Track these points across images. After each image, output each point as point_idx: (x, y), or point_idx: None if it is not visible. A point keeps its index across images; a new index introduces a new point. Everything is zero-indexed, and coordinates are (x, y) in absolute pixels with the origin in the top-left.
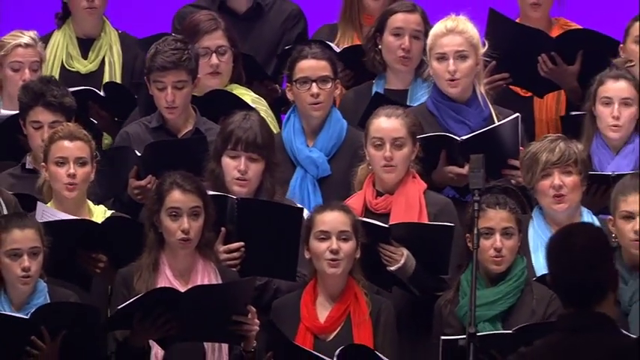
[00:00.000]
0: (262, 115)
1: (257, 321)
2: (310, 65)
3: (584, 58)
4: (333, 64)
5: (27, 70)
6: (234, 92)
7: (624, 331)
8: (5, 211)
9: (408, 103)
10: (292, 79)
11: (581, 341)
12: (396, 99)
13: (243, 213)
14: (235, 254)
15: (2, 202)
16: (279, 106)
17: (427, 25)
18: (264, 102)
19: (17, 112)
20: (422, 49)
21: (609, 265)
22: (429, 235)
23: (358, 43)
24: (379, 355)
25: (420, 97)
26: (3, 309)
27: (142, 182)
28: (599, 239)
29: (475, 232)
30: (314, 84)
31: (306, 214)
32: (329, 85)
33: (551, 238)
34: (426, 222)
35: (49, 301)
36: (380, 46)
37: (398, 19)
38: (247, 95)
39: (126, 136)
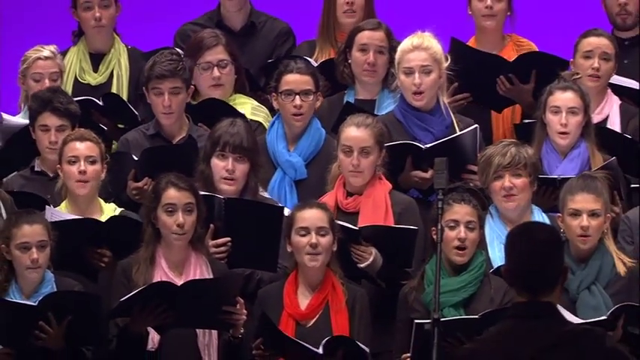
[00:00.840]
0: (262, 122)
1: (244, 311)
2: (295, 79)
3: (538, 76)
4: (315, 78)
5: (47, 81)
6: (238, 101)
7: (568, 319)
8: (2, 209)
9: (375, 112)
10: (278, 91)
11: (532, 327)
12: (364, 108)
13: (229, 211)
14: (222, 248)
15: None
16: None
17: (391, 40)
18: (265, 110)
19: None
20: (387, 63)
21: (561, 261)
22: (395, 236)
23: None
24: (359, 344)
25: (387, 106)
26: (14, 297)
27: (139, 184)
28: (555, 236)
29: (439, 227)
30: (297, 96)
31: (286, 211)
32: (311, 98)
33: (511, 231)
34: (392, 224)
35: (55, 290)
36: (349, 60)
37: (364, 36)
38: (249, 104)
39: (126, 142)
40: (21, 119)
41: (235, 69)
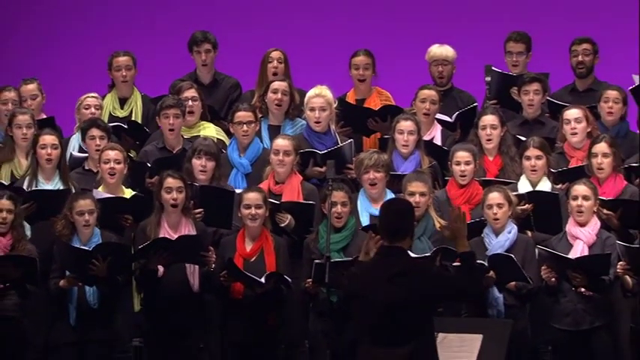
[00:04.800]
0: (224, 140)
1: (214, 256)
2: (242, 114)
3: (392, 117)
4: (255, 113)
5: (92, 109)
6: (205, 125)
7: (413, 256)
8: (73, 191)
9: (280, 133)
10: (233, 121)
11: (390, 261)
12: (274, 131)
13: (202, 193)
14: (198, 216)
15: (72, 187)
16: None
17: (292, 88)
18: (222, 132)
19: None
20: (288, 101)
21: (412, 220)
22: (302, 208)
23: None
24: (285, 277)
25: (289, 129)
26: (76, 244)
27: (152, 180)
28: (409, 206)
29: (328, 202)
30: (244, 125)
31: (238, 191)
32: (252, 125)
33: (383, 203)
34: (301, 201)
35: (101, 241)
36: (266, 100)
37: (275, 84)
38: (212, 127)
39: (144, 153)
40: (82, 154)
41: (202, 105)
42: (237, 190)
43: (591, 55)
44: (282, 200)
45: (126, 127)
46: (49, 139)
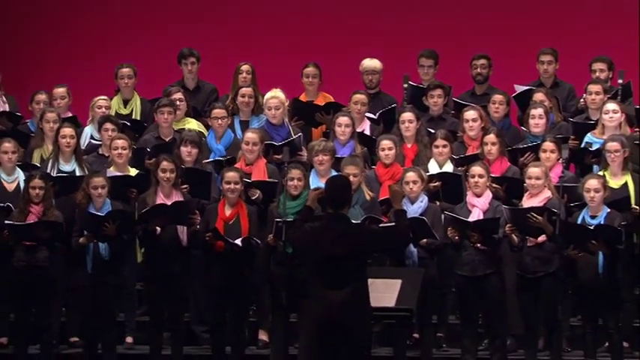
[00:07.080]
0: (203, 131)
1: (199, 218)
2: (218, 111)
3: (334, 112)
4: (227, 110)
5: (103, 108)
6: (188, 120)
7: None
8: (87, 172)
9: (249, 126)
10: (210, 117)
11: (334, 225)
12: (244, 126)
13: (187, 173)
14: (184, 190)
15: (86, 168)
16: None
17: (257, 92)
18: (202, 126)
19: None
20: (254, 103)
21: (350, 193)
22: (268, 184)
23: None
24: (255, 239)
25: (255, 123)
26: (92, 210)
27: (151, 162)
28: (347, 181)
29: (286, 178)
30: (219, 119)
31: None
32: (225, 119)
33: (328, 179)
34: (267, 179)
35: (111, 209)
36: (237, 102)
37: (243, 89)
38: (194, 122)
39: (143, 141)
40: (97, 141)
41: (187, 105)
42: (211, 159)
43: (487, 67)
44: (252, 178)
45: (128, 123)
46: (67, 131)
